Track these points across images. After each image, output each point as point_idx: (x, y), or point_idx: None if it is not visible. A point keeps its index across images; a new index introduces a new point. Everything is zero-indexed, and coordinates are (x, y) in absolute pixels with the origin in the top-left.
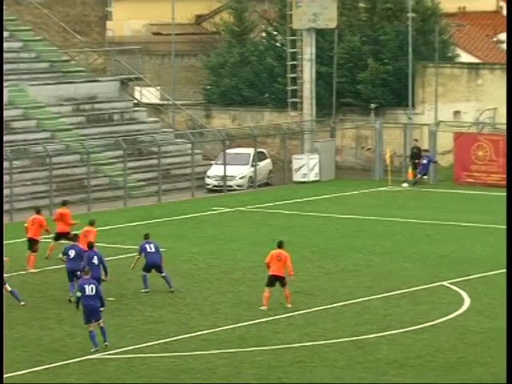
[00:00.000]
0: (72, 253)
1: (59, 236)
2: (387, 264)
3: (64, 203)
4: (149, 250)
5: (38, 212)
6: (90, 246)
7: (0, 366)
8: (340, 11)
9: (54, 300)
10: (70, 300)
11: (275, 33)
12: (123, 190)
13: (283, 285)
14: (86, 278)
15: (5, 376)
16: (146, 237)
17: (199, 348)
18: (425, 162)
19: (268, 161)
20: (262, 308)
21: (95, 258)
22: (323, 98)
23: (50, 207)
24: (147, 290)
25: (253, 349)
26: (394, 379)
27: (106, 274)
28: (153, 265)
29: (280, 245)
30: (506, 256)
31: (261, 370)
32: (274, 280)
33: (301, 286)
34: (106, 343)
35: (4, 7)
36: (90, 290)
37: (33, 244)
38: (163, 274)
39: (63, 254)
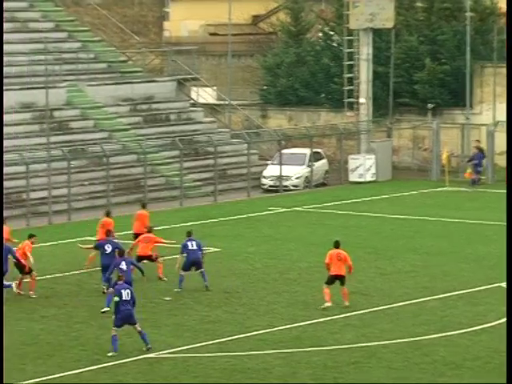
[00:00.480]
0: (109, 248)
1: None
2: (444, 265)
3: (107, 213)
4: (190, 247)
5: (108, 214)
6: (121, 253)
7: (0, 365)
8: (397, 11)
9: None
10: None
11: (332, 33)
12: (179, 190)
13: (343, 283)
14: (120, 282)
15: (62, 374)
16: (189, 234)
17: (255, 348)
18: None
19: (324, 161)
20: (327, 305)
21: (123, 263)
22: (380, 98)
23: (108, 207)
24: (180, 289)
25: (309, 349)
26: (450, 380)
27: (143, 274)
28: (194, 262)
29: (337, 244)
30: (506, 256)
31: (317, 370)
32: (334, 279)
33: (357, 286)
34: (149, 346)
35: (63, 8)
36: (126, 294)
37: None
38: (202, 270)
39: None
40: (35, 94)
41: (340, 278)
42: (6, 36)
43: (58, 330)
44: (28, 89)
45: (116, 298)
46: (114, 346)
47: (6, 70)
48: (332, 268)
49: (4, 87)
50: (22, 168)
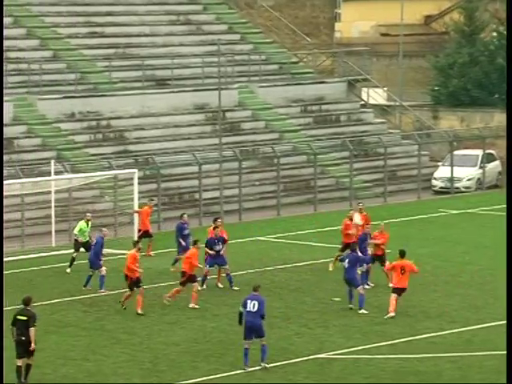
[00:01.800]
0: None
1: None
2: None
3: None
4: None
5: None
6: None
7: (0, 365)
8: None
9: (281, 299)
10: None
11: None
12: (349, 191)
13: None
14: (254, 293)
15: (234, 373)
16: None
17: (426, 350)
18: None
19: (497, 162)
20: (390, 315)
21: None
22: None
23: (278, 207)
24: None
25: (481, 353)
26: None
27: None
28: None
29: (401, 254)
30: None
31: (489, 375)
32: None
33: None
34: (264, 364)
35: (236, 10)
36: (251, 306)
37: None
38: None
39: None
40: (208, 96)
41: (399, 291)
42: (179, 38)
43: (229, 328)
44: (201, 90)
45: (240, 309)
46: (245, 360)
47: (180, 71)
48: (394, 280)
49: (178, 89)
50: (195, 168)
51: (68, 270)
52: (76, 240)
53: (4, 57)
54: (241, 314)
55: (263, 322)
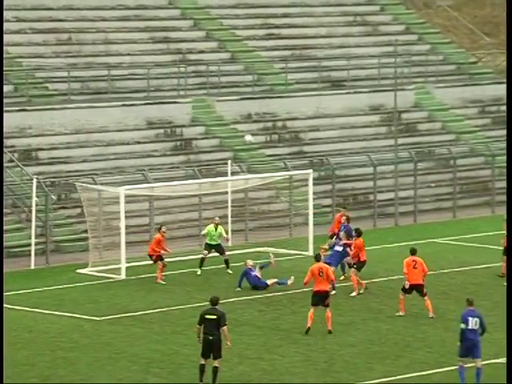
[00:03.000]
0: None
1: None
2: None
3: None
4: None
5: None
6: None
7: (0, 365)
8: None
9: (457, 302)
10: None
11: None
12: None
13: (422, 294)
14: (471, 308)
15: (410, 375)
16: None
17: None
18: None
19: None
20: (400, 313)
21: None
22: None
23: (454, 209)
24: None
25: None
26: None
27: None
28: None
29: (413, 251)
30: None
31: None
32: (411, 289)
33: None
34: None
35: (414, 10)
36: (473, 323)
37: None
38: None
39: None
40: (384, 97)
41: (417, 288)
42: (356, 39)
43: (404, 330)
44: (377, 91)
45: (462, 326)
46: (461, 379)
47: (356, 72)
48: (409, 277)
49: (354, 90)
50: (370, 169)
51: (198, 272)
52: (206, 243)
53: (184, 59)
54: (462, 331)
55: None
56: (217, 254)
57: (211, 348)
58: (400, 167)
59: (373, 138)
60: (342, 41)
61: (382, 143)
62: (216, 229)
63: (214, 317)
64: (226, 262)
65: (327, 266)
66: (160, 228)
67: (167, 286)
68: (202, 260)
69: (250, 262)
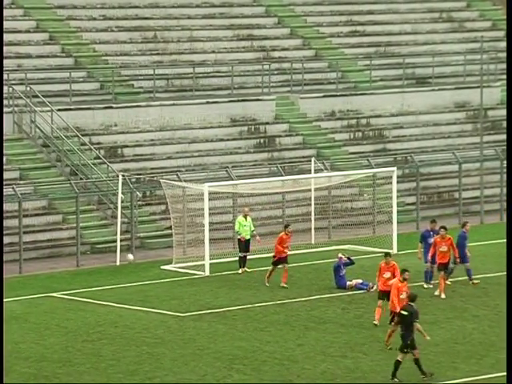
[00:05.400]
0: None
1: None
2: None
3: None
4: None
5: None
6: None
7: (0, 365)
8: None
9: None
10: None
11: None
12: None
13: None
14: None
15: (494, 375)
16: None
17: None
18: None
19: None
20: (375, 323)
21: None
22: None
23: None
24: None
25: None
26: None
27: None
28: None
29: (386, 255)
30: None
31: None
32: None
33: None
34: None
35: (500, 7)
36: None
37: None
38: None
39: None
40: (469, 94)
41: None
42: (441, 36)
43: (489, 330)
44: (462, 88)
45: None
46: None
47: (441, 69)
48: (379, 283)
49: (439, 87)
50: (455, 167)
51: (239, 271)
52: (239, 240)
53: (267, 56)
54: None
55: None
56: (300, 252)
57: (405, 343)
58: (486, 165)
59: (457, 136)
60: (427, 37)
61: (467, 141)
62: (246, 219)
63: (407, 313)
64: (244, 258)
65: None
66: (287, 226)
67: (250, 282)
68: (243, 260)
69: (341, 256)
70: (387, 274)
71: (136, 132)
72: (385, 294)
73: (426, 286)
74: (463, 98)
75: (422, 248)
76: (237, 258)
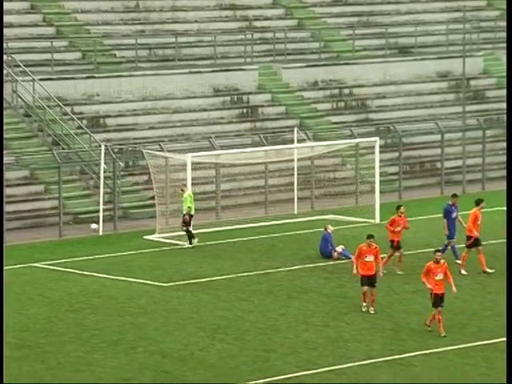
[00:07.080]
0: None
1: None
2: None
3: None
4: None
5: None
6: None
7: (0, 365)
8: None
9: None
10: None
11: None
12: None
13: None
14: None
15: (475, 344)
16: None
17: None
18: None
19: None
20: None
21: None
22: None
23: None
24: None
25: None
26: None
27: None
28: None
29: (369, 237)
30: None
31: None
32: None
33: None
34: None
35: None
36: None
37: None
38: None
39: None
40: (452, 63)
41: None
42: (423, 5)
43: (471, 299)
44: (445, 58)
45: None
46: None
47: (424, 39)
48: (361, 267)
49: (421, 56)
50: (437, 137)
51: (196, 241)
52: (190, 215)
53: (250, 26)
54: None
55: None
56: (283, 222)
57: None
58: (468, 134)
59: (440, 105)
60: (409, 7)
61: (450, 110)
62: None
63: None
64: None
65: None
66: (399, 207)
67: (233, 252)
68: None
69: (330, 228)
70: (370, 258)
71: (118, 102)
72: (368, 280)
73: (457, 261)
74: (446, 67)
75: (447, 224)
76: (220, 229)
